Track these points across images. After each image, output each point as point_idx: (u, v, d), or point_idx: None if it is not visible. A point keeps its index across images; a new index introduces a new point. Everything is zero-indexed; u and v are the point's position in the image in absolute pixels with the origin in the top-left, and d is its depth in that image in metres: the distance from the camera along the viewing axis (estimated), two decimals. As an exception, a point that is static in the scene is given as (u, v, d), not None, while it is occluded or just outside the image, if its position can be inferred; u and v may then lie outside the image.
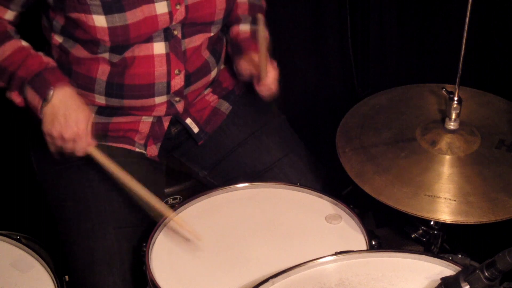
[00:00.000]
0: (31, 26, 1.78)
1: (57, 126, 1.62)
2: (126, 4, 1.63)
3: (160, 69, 1.75)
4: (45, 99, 1.62)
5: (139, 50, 1.72)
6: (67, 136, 1.62)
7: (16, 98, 1.69)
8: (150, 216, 1.79)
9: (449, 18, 2.50)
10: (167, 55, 1.75)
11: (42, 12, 1.78)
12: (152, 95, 1.78)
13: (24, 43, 1.71)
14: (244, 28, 1.93)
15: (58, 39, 1.76)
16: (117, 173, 1.65)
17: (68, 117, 1.62)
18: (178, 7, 1.69)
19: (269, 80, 1.80)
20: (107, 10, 1.63)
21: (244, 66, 1.86)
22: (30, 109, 1.68)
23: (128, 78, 1.74)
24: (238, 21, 1.95)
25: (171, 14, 1.69)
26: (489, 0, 2.34)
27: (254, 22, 1.92)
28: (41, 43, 1.83)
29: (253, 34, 1.90)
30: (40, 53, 1.72)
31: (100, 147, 1.69)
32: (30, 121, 1.91)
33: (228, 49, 1.96)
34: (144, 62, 1.73)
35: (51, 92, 1.63)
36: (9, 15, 1.71)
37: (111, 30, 1.66)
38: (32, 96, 1.65)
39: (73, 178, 1.81)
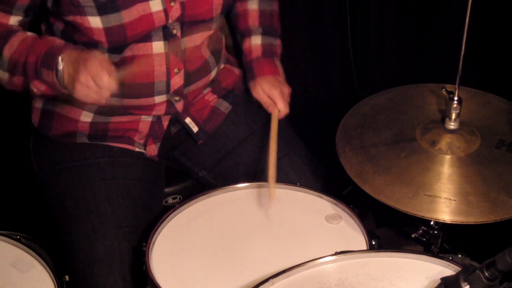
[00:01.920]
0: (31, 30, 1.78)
1: (73, 80, 1.56)
2: (120, 3, 1.63)
3: (159, 68, 1.75)
4: (57, 69, 1.59)
5: (138, 50, 1.72)
6: (82, 79, 1.53)
7: (39, 86, 1.66)
8: (151, 215, 1.80)
9: (449, 18, 2.50)
10: (166, 54, 1.75)
11: (42, 18, 1.78)
12: (152, 94, 1.78)
13: (30, 34, 1.70)
14: (255, 42, 1.98)
15: None
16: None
17: (75, 66, 1.56)
18: (172, 4, 1.69)
19: (281, 116, 1.91)
20: (102, 11, 1.63)
21: (256, 95, 1.94)
22: (58, 94, 1.64)
23: (128, 78, 1.74)
24: (249, 33, 1.97)
25: (166, 11, 1.69)
26: (489, 0, 2.34)
27: (265, 33, 1.99)
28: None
29: (265, 52, 1.98)
30: (46, 36, 1.72)
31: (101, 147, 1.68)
32: (30, 121, 1.92)
33: (243, 62, 2.02)
34: (143, 62, 1.73)
35: (60, 62, 1.59)
36: (13, 21, 1.70)
37: (107, 30, 1.65)
38: (47, 76, 1.61)
39: (73, 178, 1.81)
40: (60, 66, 1.58)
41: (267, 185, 1.79)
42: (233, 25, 2.04)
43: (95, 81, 1.53)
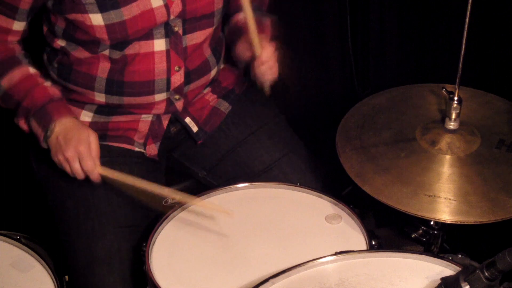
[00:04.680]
0: (31, 31, 1.78)
1: (59, 149, 1.65)
2: (121, 0, 1.63)
3: (160, 66, 1.75)
4: (47, 130, 1.67)
5: (140, 47, 1.72)
6: (69, 155, 1.64)
7: (22, 125, 1.75)
8: (151, 215, 1.79)
9: (449, 18, 2.50)
10: (167, 51, 1.75)
11: (43, 18, 1.78)
12: (152, 92, 1.78)
13: (31, 70, 1.74)
14: (243, 15, 1.90)
15: (60, 43, 1.77)
16: (135, 182, 1.65)
17: (68, 138, 1.65)
18: None
19: (265, 55, 1.75)
20: (103, 8, 1.64)
21: (240, 49, 1.83)
22: (35, 138, 1.72)
23: (128, 75, 1.74)
24: (238, 9, 1.92)
25: (167, 6, 1.69)
26: (489, 0, 2.34)
27: (255, 9, 1.84)
28: (40, 46, 1.84)
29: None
30: (47, 84, 1.75)
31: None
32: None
33: (227, 40, 1.93)
34: (144, 59, 1.74)
35: (53, 124, 1.67)
36: (17, 26, 1.71)
37: (109, 27, 1.66)
38: (36, 128, 1.70)
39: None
40: (52, 128, 1.67)
41: (267, 185, 1.79)
42: (226, 15, 1.99)
43: (81, 163, 1.64)
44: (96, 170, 1.65)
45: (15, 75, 1.71)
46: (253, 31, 1.72)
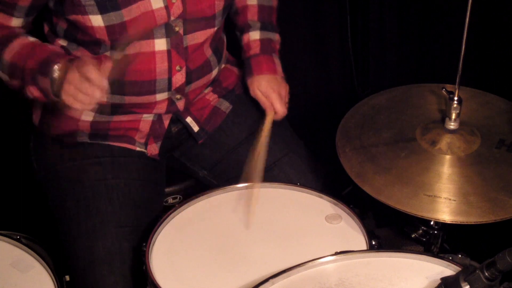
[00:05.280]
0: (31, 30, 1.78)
1: (64, 82, 1.55)
2: (121, 2, 1.63)
3: (161, 66, 1.75)
4: (52, 76, 1.59)
5: (140, 47, 1.72)
6: (79, 64, 1.52)
7: (34, 92, 1.66)
8: (151, 215, 1.79)
9: (449, 18, 2.50)
10: (168, 51, 1.75)
11: (45, 18, 1.78)
12: (153, 92, 1.78)
13: (31, 38, 1.71)
14: (254, 36, 1.97)
15: (62, 43, 1.77)
16: None
17: (69, 70, 1.55)
18: (174, 0, 1.69)
19: (280, 115, 1.91)
20: (103, 9, 1.64)
21: (253, 94, 1.94)
22: (49, 100, 1.63)
23: (130, 75, 1.74)
24: (248, 28, 1.97)
25: (167, 8, 1.69)
26: (489, 0, 2.34)
27: (263, 28, 1.97)
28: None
29: (263, 48, 1.96)
30: (47, 43, 1.72)
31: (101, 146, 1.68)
32: (30, 121, 1.92)
33: (242, 58, 2.01)
34: (145, 59, 1.74)
35: (56, 68, 1.59)
36: (15, 22, 1.71)
37: (109, 29, 1.66)
38: (42, 80, 1.62)
39: (74, 177, 1.81)
40: (55, 74, 1.59)
41: (267, 185, 1.79)
42: (232, 22, 2.04)
43: (84, 75, 1.51)
44: (101, 77, 1.52)
45: (15, 45, 1.68)
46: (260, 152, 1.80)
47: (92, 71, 1.50)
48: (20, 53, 1.67)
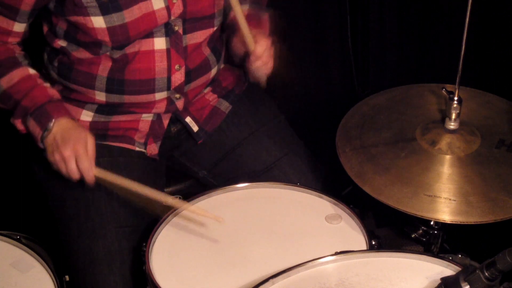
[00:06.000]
0: (31, 30, 1.78)
1: (56, 148, 1.65)
2: (123, 3, 1.64)
3: (160, 65, 1.75)
4: (45, 129, 1.66)
5: (140, 46, 1.72)
6: (66, 154, 1.63)
7: (19, 125, 1.73)
8: (151, 215, 1.79)
9: (449, 18, 2.50)
10: (168, 50, 1.75)
11: (45, 18, 1.78)
12: (153, 91, 1.78)
13: (31, 71, 1.74)
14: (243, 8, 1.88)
15: (61, 43, 1.77)
16: (129, 185, 1.65)
17: (66, 137, 1.65)
18: (175, 0, 1.69)
19: (259, 50, 1.74)
20: (105, 11, 1.64)
21: (235, 44, 1.82)
22: (32, 138, 1.70)
23: (129, 74, 1.75)
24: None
25: (168, 8, 1.69)
26: (489, 0, 2.34)
27: (253, 3, 1.89)
28: (40, 46, 1.84)
29: (250, 17, 1.82)
30: (47, 85, 1.75)
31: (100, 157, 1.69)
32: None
33: (225, 35, 1.93)
34: (144, 58, 1.74)
35: (52, 123, 1.66)
36: (18, 27, 1.71)
37: (110, 30, 1.66)
38: (33, 127, 1.68)
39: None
40: (50, 127, 1.66)
41: (267, 185, 1.79)
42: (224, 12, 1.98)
43: (77, 162, 1.63)
44: (91, 171, 1.65)
45: (14, 76, 1.71)
46: (244, 27, 1.71)
47: (84, 163, 1.63)
48: (18, 87, 1.70)
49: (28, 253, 1.61)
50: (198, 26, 1.78)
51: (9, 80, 1.70)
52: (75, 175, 1.66)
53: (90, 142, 1.66)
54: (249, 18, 1.82)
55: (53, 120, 1.66)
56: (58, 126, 1.67)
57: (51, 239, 1.78)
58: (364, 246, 1.60)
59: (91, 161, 1.65)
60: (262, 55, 1.75)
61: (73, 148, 1.63)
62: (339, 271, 1.40)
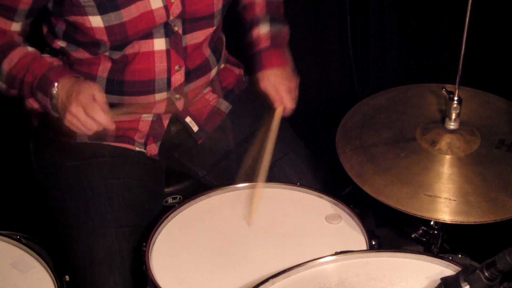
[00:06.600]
0: (31, 31, 1.78)
1: (65, 109, 1.58)
2: (120, 2, 1.64)
3: (160, 65, 1.75)
4: (52, 97, 1.62)
5: (140, 47, 1.73)
6: (73, 109, 1.56)
7: (33, 103, 1.70)
8: (151, 215, 1.79)
9: (449, 18, 2.50)
10: (167, 51, 1.75)
11: (44, 19, 1.78)
12: (153, 92, 1.78)
13: (30, 49, 1.72)
14: (263, 30, 1.94)
15: (61, 44, 1.77)
16: None
17: (69, 94, 1.59)
18: (173, 0, 1.69)
19: (287, 112, 1.88)
20: (102, 10, 1.64)
21: (263, 87, 1.89)
22: (48, 113, 1.67)
23: (129, 75, 1.75)
24: (257, 22, 1.95)
25: (166, 8, 1.69)
26: (489, 0, 2.34)
27: (273, 21, 1.95)
28: (40, 46, 1.84)
29: (274, 42, 1.93)
30: (45, 55, 1.73)
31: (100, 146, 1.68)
32: (30, 121, 1.92)
33: (248, 51, 1.97)
34: (144, 58, 1.74)
35: (55, 88, 1.62)
36: (15, 26, 1.71)
37: (108, 29, 1.66)
38: (42, 99, 1.65)
39: (73, 178, 1.81)
40: (55, 92, 1.62)
41: (267, 185, 1.79)
42: (240, 18, 2.01)
43: (86, 111, 1.55)
44: (105, 117, 1.56)
45: (14, 56, 1.69)
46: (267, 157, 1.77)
47: (94, 109, 1.55)
48: (19, 65, 1.68)
49: (28, 253, 1.61)
50: (198, 26, 1.78)
51: (10, 62, 1.68)
52: (92, 125, 1.57)
53: (96, 89, 1.59)
54: (273, 39, 1.92)
55: (55, 84, 1.62)
56: (62, 88, 1.62)
57: (51, 239, 1.78)
58: (364, 246, 1.60)
59: (103, 107, 1.57)
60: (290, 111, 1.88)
61: (76, 100, 1.57)
62: (339, 271, 1.40)
